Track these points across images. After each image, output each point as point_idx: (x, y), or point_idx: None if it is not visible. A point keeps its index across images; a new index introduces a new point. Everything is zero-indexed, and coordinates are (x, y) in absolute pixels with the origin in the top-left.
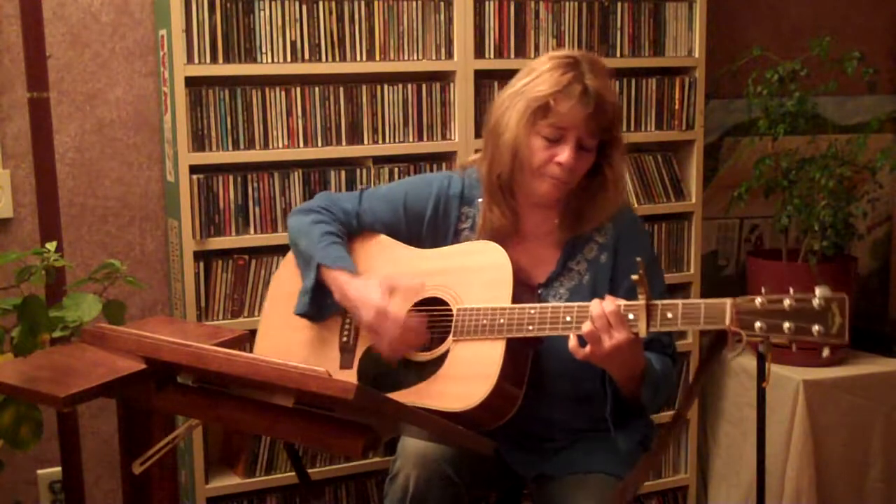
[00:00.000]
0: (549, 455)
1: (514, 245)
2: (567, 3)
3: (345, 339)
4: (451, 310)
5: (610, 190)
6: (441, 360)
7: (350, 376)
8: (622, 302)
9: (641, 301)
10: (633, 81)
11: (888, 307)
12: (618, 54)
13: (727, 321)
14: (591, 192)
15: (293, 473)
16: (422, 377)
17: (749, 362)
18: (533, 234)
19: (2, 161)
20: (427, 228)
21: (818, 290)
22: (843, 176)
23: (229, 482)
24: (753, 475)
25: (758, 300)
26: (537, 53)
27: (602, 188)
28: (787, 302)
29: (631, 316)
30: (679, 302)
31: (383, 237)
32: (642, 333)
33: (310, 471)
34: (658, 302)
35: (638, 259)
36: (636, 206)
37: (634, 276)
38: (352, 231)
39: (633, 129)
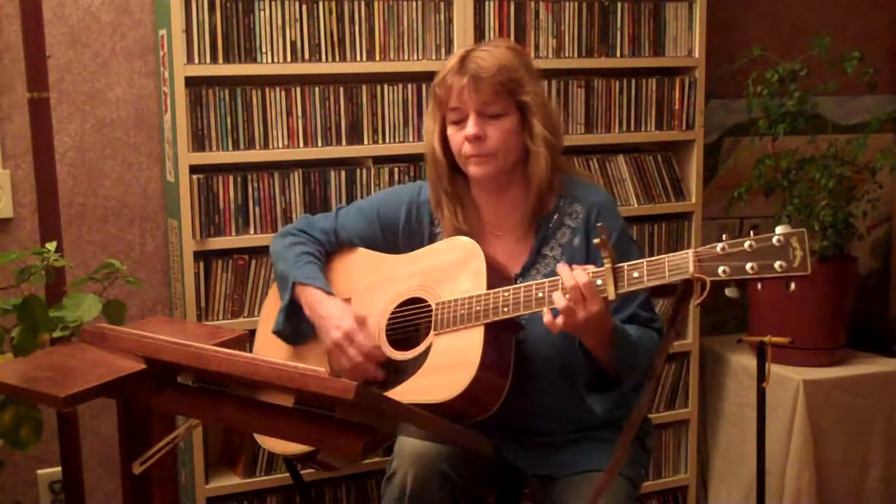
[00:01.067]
0: (550, 452)
1: (487, 242)
2: (567, 3)
3: None
4: (430, 306)
5: (531, 161)
6: (424, 355)
7: None
8: (590, 268)
9: (607, 265)
10: (633, 81)
11: (888, 307)
12: (618, 54)
13: (691, 269)
14: (529, 170)
15: None
16: (407, 375)
17: (749, 362)
18: (502, 231)
19: (2, 161)
20: (402, 237)
21: (778, 229)
22: (843, 176)
23: (229, 482)
24: (753, 475)
25: (719, 246)
26: (537, 53)
27: (530, 158)
28: (747, 244)
29: (599, 282)
30: (643, 260)
31: (361, 249)
32: (611, 296)
33: (309, 471)
34: (623, 264)
35: (599, 224)
36: (636, 206)
37: (596, 241)
38: (331, 248)
39: (633, 129)
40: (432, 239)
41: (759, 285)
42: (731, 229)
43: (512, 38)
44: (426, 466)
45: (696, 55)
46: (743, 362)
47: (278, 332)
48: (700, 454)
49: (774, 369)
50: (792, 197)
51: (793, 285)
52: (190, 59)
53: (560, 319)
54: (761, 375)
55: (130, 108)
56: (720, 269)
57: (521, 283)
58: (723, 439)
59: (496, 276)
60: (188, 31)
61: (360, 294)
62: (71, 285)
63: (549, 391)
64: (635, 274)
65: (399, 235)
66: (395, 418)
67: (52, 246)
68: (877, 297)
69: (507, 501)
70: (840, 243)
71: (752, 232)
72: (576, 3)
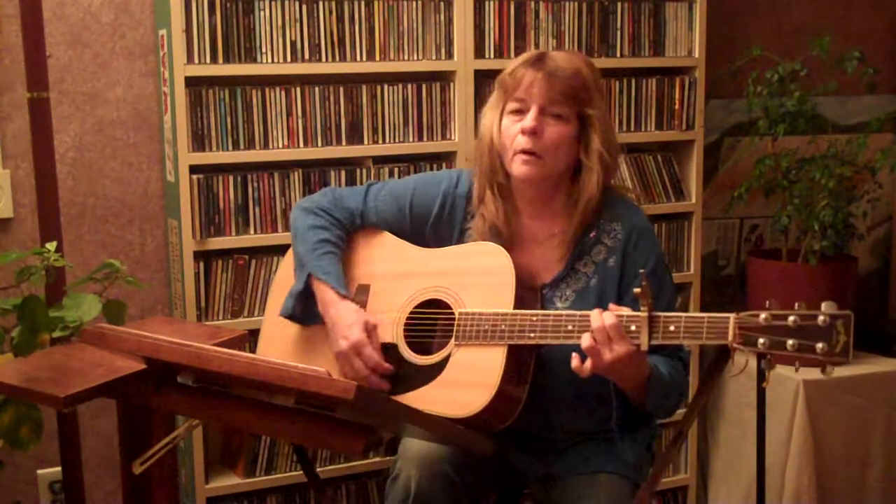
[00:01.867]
0: (554, 455)
1: (520, 248)
2: (567, 3)
3: None
4: (453, 313)
5: (584, 176)
6: (443, 364)
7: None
8: (625, 312)
9: (644, 313)
10: (633, 81)
11: (888, 307)
12: (618, 54)
13: (730, 337)
14: (579, 186)
15: (293, 473)
16: (423, 381)
17: (749, 362)
18: (538, 239)
19: (2, 161)
20: (431, 228)
21: (824, 306)
22: (843, 176)
23: (229, 482)
24: (753, 475)
25: (762, 316)
26: None
27: (583, 174)
28: (791, 318)
29: (633, 327)
30: (682, 315)
31: (387, 235)
32: (644, 346)
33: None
34: (661, 314)
35: (641, 271)
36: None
37: (636, 290)
38: (355, 229)
39: (633, 129)
40: (462, 235)
41: (796, 363)
42: (731, 229)
43: (512, 38)
44: (430, 469)
45: (696, 55)
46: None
47: (288, 317)
48: (700, 454)
49: (775, 369)
50: (792, 197)
51: (829, 368)
52: (190, 59)
53: (588, 363)
54: (761, 376)
55: (130, 108)
56: (760, 341)
57: (548, 294)
58: (723, 439)
59: (525, 292)
60: (188, 31)
61: (379, 282)
62: (71, 285)
63: (561, 408)
64: (672, 328)
65: (428, 226)
66: (395, 419)
67: (52, 246)
68: (877, 297)
69: (508, 502)
70: (840, 243)
71: (796, 305)
72: (576, 3)
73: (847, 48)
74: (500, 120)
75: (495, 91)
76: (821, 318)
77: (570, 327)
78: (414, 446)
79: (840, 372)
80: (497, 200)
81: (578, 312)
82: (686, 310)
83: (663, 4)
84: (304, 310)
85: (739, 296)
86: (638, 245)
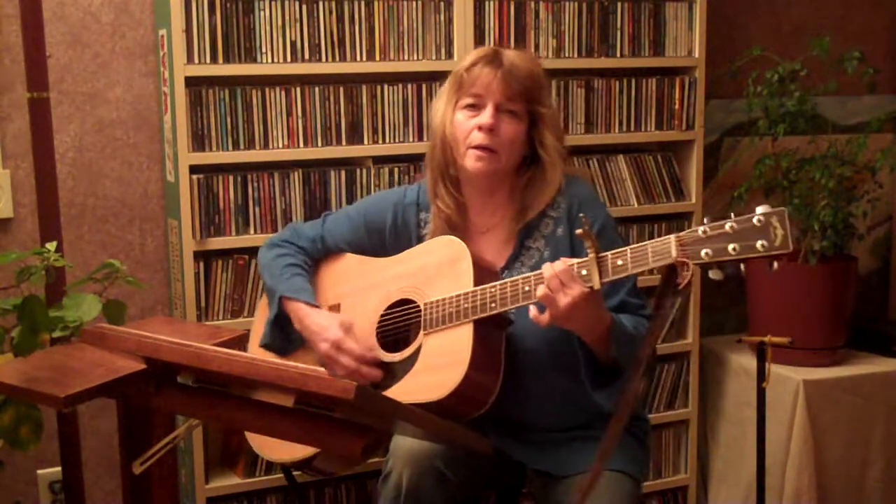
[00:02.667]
0: (550, 449)
1: (471, 241)
2: (567, 3)
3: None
4: (419, 307)
5: (547, 170)
6: (415, 356)
7: None
8: (573, 260)
9: (591, 255)
10: (633, 81)
11: (888, 307)
12: (618, 54)
13: (674, 254)
14: (533, 179)
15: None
16: (399, 377)
17: (749, 362)
18: (486, 229)
19: (2, 161)
20: (390, 239)
21: (758, 209)
22: (843, 176)
23: (229, 482)
24: (753, 475)
25: (700, 229)
26: (537, 53)
27: (541, 170)
28: (728, 225)
29: (584, 272)
30: (626, 248)
31: (349, 255)
32: (596, 286)
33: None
34: (607, 253)
35: (581, 215)
36: (636, 206)
37: (579, 231)
38: (318, 256)
39: (633, 129)
40: (420, 240)
41: (742, 266)
42: None
43: (512, 38)
44: (421, 465)
45: (696, 55)
46: (743, 362)
47: (266, 346)
48: (700, 454)
49: (774, 369)
50: (792, 197)
51: (776, 264)
52: (190, 59)
53: (546, 313)
54: (761, 375)
55: (130, 108)
56: (703, 252)
57: (506, 275)
58: (723, 439)
59: (483, 273)
60: (188, 31)
61: (348, 299)
62: (71, 285)
63: (541, 384)
64: (619, 262)
65: (386, 239)
66: (394, 418)
67: (52, 246)
68: (877, 297)
69: (507, 502)
70: (840, 243)
71: (732, 214)
72: (576, 3)
73: (847, 48)
74: (454, 112)
75: (448, 85)
76: (755, 218)
77: (526, 288)
78: (405, 444)
79: (840, 372)
80: (450, 194)
81: (532, 273)
82: (685, 308)
83: (663, 4)
84: (283, 337)
85: (739, 295)
86: (581, 208)
